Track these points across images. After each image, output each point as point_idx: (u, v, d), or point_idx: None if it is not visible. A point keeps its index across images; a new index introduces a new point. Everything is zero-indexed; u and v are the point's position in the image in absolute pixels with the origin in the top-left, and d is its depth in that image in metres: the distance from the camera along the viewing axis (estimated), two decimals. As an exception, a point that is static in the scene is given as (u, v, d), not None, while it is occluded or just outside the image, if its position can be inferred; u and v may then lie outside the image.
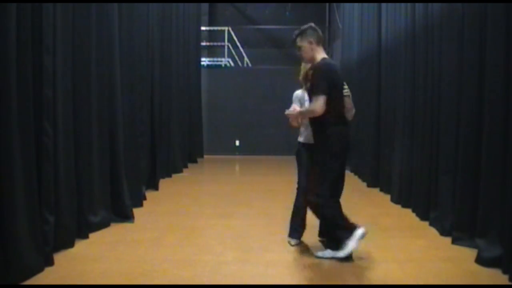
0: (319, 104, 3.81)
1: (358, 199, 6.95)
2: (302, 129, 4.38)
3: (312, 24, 4.08)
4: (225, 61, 14.06)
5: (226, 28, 14.07)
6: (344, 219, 3.98)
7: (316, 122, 3.97)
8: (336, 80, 3.98)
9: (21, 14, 3.30)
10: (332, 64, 4.14)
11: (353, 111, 4.23)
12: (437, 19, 5.08)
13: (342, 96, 4.04)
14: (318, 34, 4.04)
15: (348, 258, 3.88)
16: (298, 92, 4.45)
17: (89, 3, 4.57)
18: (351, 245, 3.84)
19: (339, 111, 3.99)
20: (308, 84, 4.11)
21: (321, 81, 3.85)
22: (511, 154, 3.59)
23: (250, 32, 14.36)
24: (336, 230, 3.98)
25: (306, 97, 4.24)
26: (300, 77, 4.42)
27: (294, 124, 4.24)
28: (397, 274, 3.61)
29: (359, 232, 3.87)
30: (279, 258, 4.01)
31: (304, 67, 4.32)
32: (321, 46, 4.07)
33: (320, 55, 4.04)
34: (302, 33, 4.02)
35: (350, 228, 3.90)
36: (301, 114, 4.08)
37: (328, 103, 3.82)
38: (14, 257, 3.19)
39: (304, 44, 4.01)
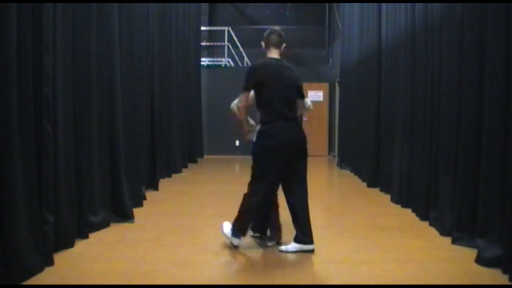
0: (236, 101, 4.22)
1: (358, 199, 6.95)
2: None
3: (273, 28, 4.30)
4: (225, 61, 14.07)
5: (226, 28, 14.08)
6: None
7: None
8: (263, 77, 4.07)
9: (21, 14, 3.30)
10: (259, 62, 4.22)
11: (306, 107, 4.49)
12: (437, 19, 5.08)
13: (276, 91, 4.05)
14: (269, 37, 4.21)
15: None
16: None
17: (89, 3, 4.57)
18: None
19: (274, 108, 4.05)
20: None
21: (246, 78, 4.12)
22: (511, 154, 3.59)
23: (250, 32, 14.36)
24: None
25: None
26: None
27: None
28: (397, 274, 3.61)
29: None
30: (279, 258, 4.01)
31: None
32: (271, 49, 4.21)
33: (268, 55, 4.25)
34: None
35: None
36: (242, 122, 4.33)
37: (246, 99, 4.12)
38: (14, 257, 3.19)
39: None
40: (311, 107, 4.66)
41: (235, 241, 4.18)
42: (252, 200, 4.10)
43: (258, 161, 4.12)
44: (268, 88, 4.03)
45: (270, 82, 4.03)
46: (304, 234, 4.12)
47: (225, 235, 4.24)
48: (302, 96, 4.32)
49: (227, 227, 4.25)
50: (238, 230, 4.16)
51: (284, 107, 4.05)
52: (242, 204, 4.16)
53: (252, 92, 4.14)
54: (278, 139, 4.01)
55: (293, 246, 4.12)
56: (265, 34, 4.24)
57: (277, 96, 4.03)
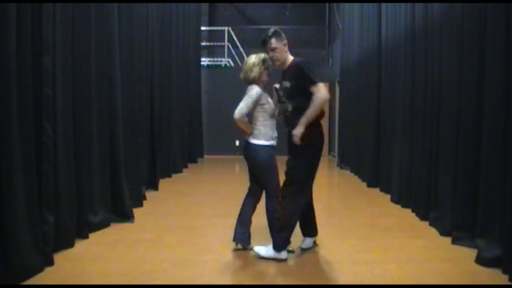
0: (324, 90, 3.84)
1: (358, 199, 6.95)
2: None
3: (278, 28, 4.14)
4: (225, 61, 14.06)
5: (226, 28, 14.06)
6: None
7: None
8: None
9: (21, 14, 3.30)
10: None
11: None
12: (437, 19, 5.08)
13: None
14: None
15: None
16: (258, 90, 4.25)
17: (89, 3, 4.57)
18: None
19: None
20: (288, 84, 4.05)
21: (315, 69, 3.92)
22: (511, 154, 3.60)
23: (250, 32, 14.35)
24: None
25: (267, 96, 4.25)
26: (242, 75, 4.31)
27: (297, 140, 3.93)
28: (397, 274, 3.61)
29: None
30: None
31: (253, 64, 4.18)
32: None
33: (290, 56, 4.09)
34: (276, 35, 4.00)
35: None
36: (307, 123, 3.87)
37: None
38: (14, 257, 3.19)
39: (279, 45, 4.00)
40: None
41: (284, 255, 3.92)
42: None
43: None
44: None
45: None
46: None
47: (269, 257, 3.92)
48: None
49: (264, 250, 3.97)
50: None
51: None
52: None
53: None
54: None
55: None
56: (282, 33, 4.05)
57: None
